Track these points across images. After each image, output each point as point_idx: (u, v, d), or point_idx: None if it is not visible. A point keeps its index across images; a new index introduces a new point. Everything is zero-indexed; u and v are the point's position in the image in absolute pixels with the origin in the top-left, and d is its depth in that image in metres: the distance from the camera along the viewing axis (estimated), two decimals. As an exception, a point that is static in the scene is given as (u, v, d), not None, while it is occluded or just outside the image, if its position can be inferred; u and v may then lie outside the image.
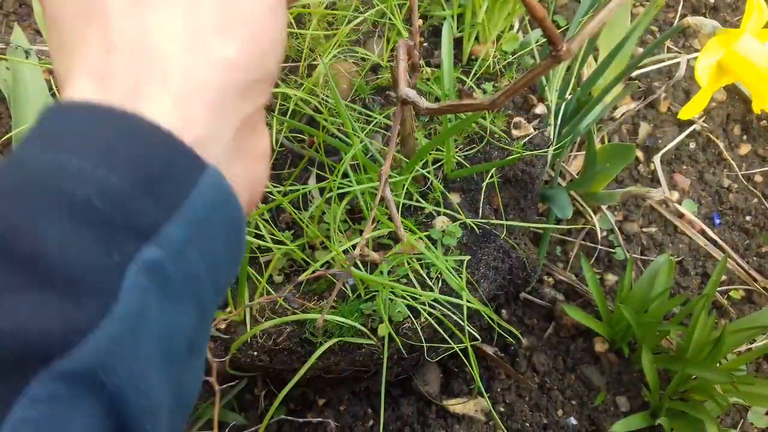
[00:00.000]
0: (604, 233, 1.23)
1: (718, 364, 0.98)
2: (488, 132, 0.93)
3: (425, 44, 1.05)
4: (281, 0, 0.31)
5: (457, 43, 1.01)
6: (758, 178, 1.32)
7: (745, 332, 0.99)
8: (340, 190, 0.81)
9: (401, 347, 0.78)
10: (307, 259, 0.83)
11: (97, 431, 0.23)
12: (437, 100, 0.94)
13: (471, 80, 0.98)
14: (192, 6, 0.27)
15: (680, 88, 1.40)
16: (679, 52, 1.43)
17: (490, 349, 1.12)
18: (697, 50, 1.43)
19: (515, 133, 0.94)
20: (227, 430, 1.01)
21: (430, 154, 0.90)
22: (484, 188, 0.90)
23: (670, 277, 1.06)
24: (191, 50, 0.27)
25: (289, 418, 0.99)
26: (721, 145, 1.34)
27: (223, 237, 0.28)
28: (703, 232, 1.24)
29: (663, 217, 1.26)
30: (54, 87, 1.09)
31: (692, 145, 1.35)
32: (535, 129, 0.95)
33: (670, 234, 1.25)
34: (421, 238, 0.82)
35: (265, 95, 0.31)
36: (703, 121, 1.36)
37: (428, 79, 0.97)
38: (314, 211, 0.85)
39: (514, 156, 0.89)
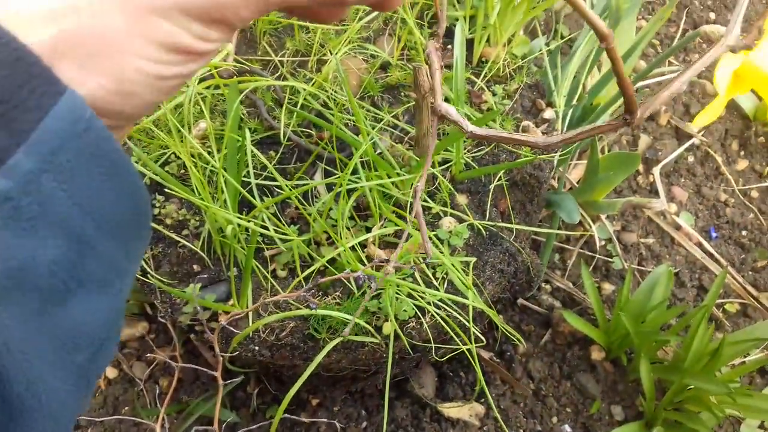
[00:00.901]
0: (603, 242, 1.23)
1: (714, 376, 0.98)
2: (496, 135, 0.93)
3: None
4: None
5: (468, 44, 1.01)
6: (754, 194, 1.34)
7: (741, 344, 0.99)
8: (349, 186, 0.80)
9: (407, 346, 0.77)
10: (313, 254, 0.82)
11: None
12: (447, 100, 0.93)
13: (481, 81, 0.97)
14: None
15: (680, 102, 1.41)
16: (680, 66, 1.45)
17: (486, 354, 1.12)
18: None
19: (523, 137, 0.94)
20: (220, 427, 0.99)
21: (439, 154, 0.89)
22: (491, 190, 0.90)
23: (669, 288, 1.07)
24: None
25: (285, 415, 0.98)
26: (719, 159, 1.36)
27: (95, 168, 0.26)
28: (700, 245, 1.24)
29: (661, 229, 1.27)
30: None
31: (691, 159, 1.36)
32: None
33: (668, 246, 1.25)
34: (429, 238, 0.81)
35: None
36: (702, 136, 1.37)
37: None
38: (321, 206, 0.84)
39: (524, 159, 0.89)
